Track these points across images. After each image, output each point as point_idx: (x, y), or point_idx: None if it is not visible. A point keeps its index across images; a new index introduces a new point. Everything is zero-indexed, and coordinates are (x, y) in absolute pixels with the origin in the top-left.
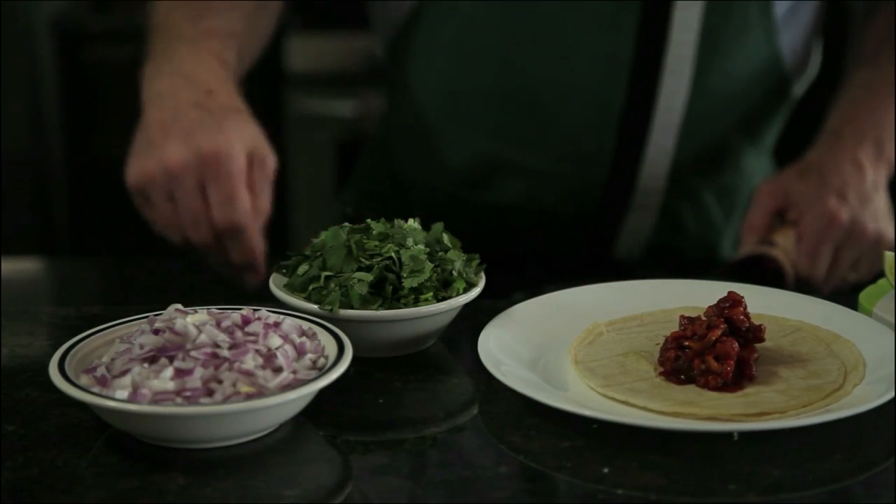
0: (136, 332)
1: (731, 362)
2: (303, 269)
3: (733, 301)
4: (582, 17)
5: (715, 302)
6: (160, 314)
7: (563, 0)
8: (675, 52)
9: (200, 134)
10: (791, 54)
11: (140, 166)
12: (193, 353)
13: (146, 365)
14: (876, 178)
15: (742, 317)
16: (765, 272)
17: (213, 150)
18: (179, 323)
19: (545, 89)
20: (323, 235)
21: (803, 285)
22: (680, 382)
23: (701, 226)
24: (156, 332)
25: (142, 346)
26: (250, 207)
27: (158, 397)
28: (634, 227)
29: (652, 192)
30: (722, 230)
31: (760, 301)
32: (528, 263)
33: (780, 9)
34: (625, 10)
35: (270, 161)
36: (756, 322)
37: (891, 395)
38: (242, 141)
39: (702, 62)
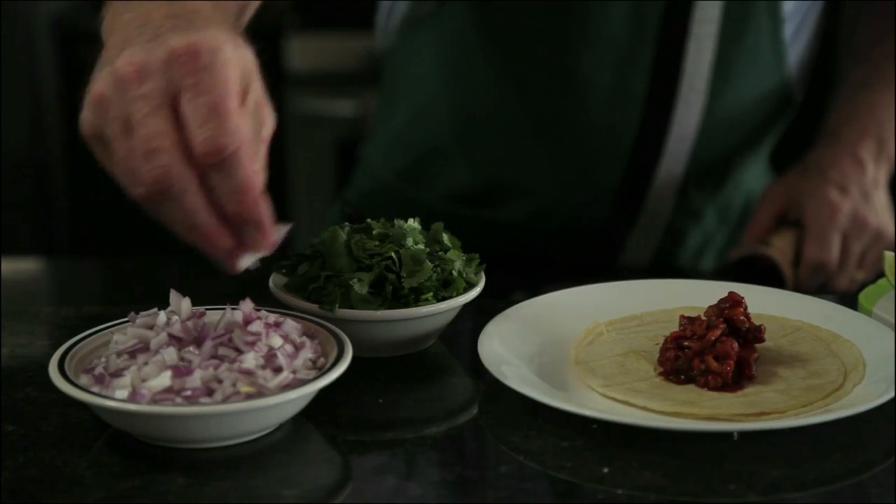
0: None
1: (731, 362)
2: (303, 269)
3: (733, 301)
4: (597, 54)
5: (715, 302)
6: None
7: (579, 39)
8: (689, 84)
9: (173, 35)
10: (797, 69)
11: (89, 93)
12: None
13: (144, 360)
14: (876, 175)
15: (742, 317)
16: (761, 272)
17: (186, 46)
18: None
19: (556, 121)
20: (323, 235)
21: (807, 286)
22: (680, 382)
23: (700, 239)
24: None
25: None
26: (244, 127)
27: (158, 397)
28: (638, 244)
29: (658, 213)
30: (715, 239)
31: (760, 301)
32: (528, 264)
33: (788, 29)
34: (640, 46)
35: (264, 101)
36: (756, 322)
37: (891, 395)
38: (233, 48)
39: (714, 90)
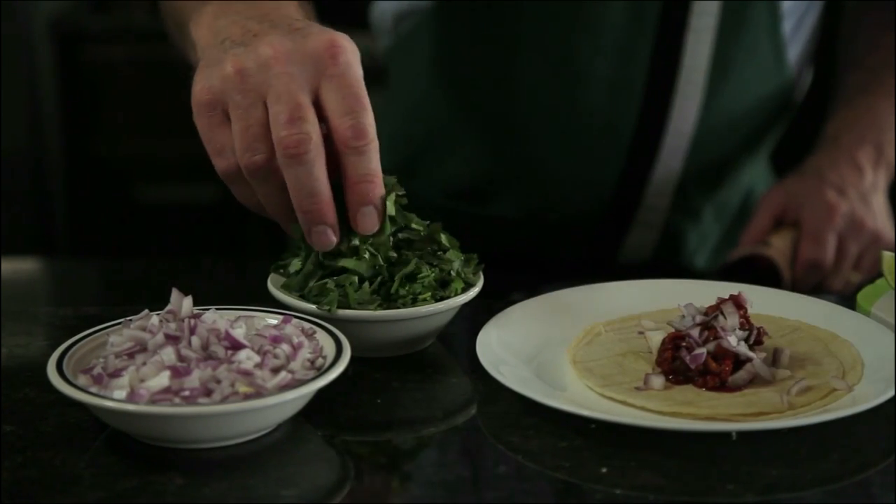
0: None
1: (730, 362)
2: (295, 264)
3: (734, 305)
4: (596, 46)
5: (715, 302)
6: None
7: (578, 31)
8: (687, 78)
9: (310, 29)
10: (796, 68)
11: (222, 68)
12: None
13: (142, 360)
14: (875, 181)
15: (742, 319)
16: (759, 272)
17: (330, 42)
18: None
19: (554, 114)
20: None
21: (802, 285)
22: (678, 382)
23: (698, 240)
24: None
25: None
26: (314, 126)
27: (156, 397)
28: (636, 243)
29: (656, 210)
30: (714, 241)
31: (760, 301)
32: (526, 264)
33: (787, 26)
34: (639, 39)
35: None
36: (755, 322)
37: (889, 395)
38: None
39: (713, 86)
